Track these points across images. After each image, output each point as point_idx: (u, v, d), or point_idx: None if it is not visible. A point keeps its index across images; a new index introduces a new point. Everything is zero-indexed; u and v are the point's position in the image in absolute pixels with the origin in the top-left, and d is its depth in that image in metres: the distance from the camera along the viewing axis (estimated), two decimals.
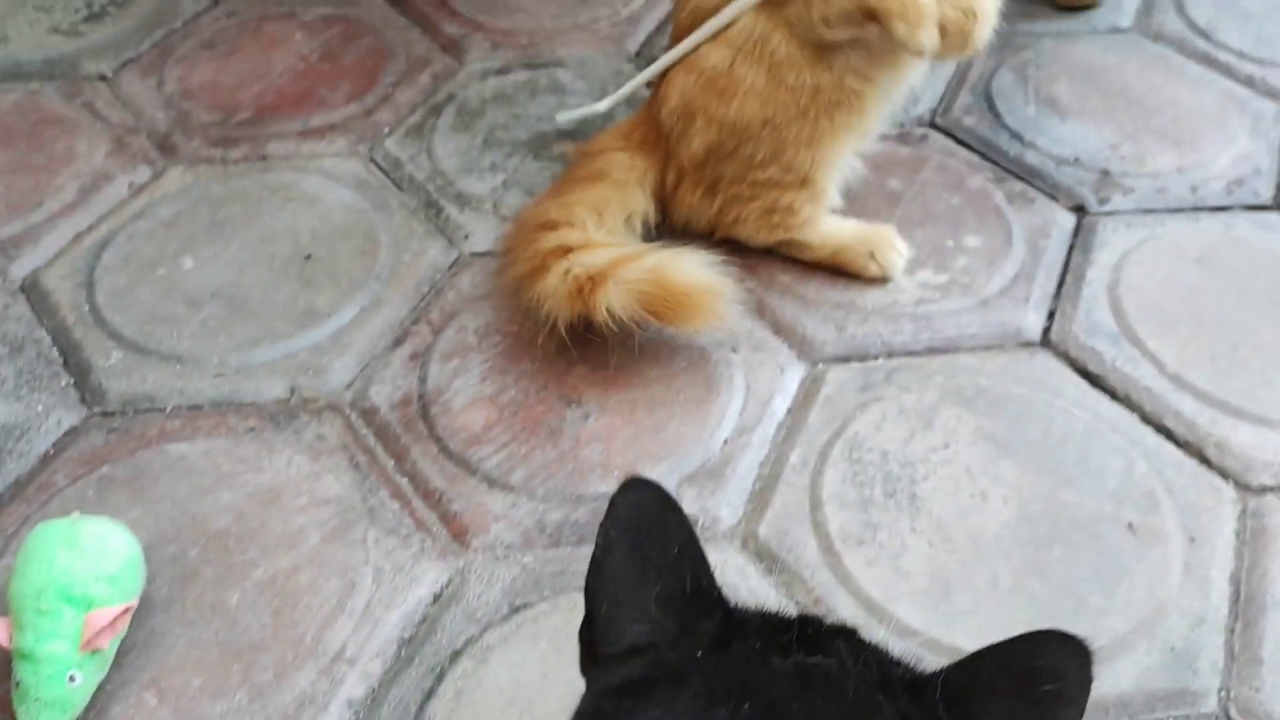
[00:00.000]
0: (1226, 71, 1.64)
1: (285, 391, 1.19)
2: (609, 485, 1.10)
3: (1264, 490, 1.10)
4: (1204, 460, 1.13)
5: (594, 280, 1.15)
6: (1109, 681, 0.95)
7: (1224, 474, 1.12)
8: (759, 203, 1.27)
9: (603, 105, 1.42)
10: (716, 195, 1.28)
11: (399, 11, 1.75)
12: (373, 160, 1.47)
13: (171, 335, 1.24)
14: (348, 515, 1.07)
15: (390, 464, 1.13)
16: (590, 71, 1.62)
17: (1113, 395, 1.19)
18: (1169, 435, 1.15)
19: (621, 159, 1.31)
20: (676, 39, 1.30)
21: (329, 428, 1.16)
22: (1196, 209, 1.42)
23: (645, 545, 0.58)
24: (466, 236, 1.36)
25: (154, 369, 1.20)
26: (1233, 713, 0.94)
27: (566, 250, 1.19)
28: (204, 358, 1.22)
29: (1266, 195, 1.44)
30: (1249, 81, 1.62)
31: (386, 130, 1.52)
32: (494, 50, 1.67)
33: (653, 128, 1.31)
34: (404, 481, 1.11)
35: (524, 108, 1.55)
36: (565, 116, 1.46)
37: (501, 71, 1.63)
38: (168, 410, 1.17)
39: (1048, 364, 1.22)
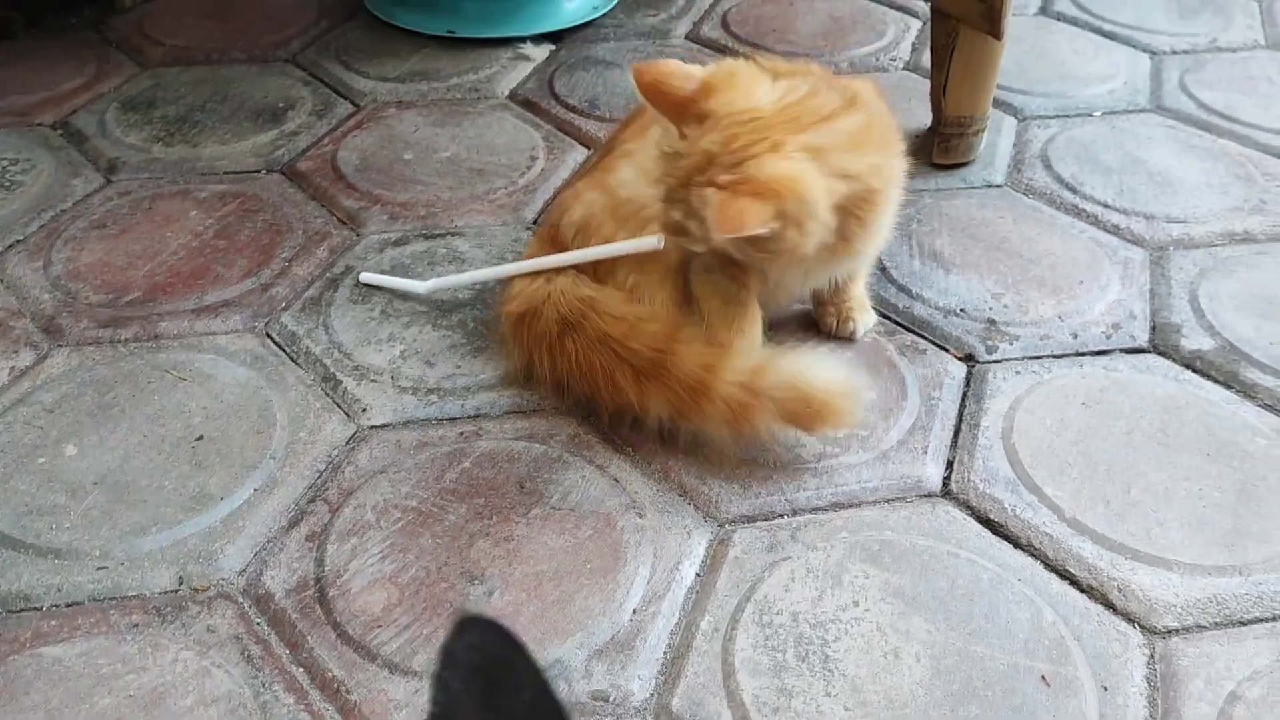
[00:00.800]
0: (1094, 221, 1.73)
1: (173, 582, 1.14)
2: None
3: (1169, 633, 1.11)
4: (1109, 605, 1.14)
5: (746, 399, 1.19)
6: None
7: (1129, 618, 1.13)
8: None
9: (422, 289, 1.49)
10: None
11: (296, 187, 1.76)
12: (269, 336, 1.46)
13: (50, 528, 1.18)
14: (239, 713, 1.01)
15: (285, 654, 1.07)
16: (488, 240, 1.64)
17: (1015, 543, 1.20)
18: (1072, 581, 1.16)
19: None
20: (545, 240, 1.35)
21: (220, 618, 1.10)
22: (1079, 354, 1.47)
23: (495, 695, 0.50)
24: (364, 410, 1.34)
25: (29, 565, 1.14)
26: None
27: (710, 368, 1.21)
28: (85, 550, 1.16)
29: (1142, 338, 1.50)
30: (1115, 230, 1.71)
31: (283, 305, 1.51)
32: (392, 222, 1.68)
33: (552, 238, 1.34)
34: (300, 672, 1.06)
35: (421, 278, 1.56)
36: (368, 277, 1.52)
37: (399, 242, 1.64)
38: (44, 609, 1.11)
39: (949, 514, 1.24)
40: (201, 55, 2.13)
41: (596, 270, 1.33)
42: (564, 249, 1.34)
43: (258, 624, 1.10)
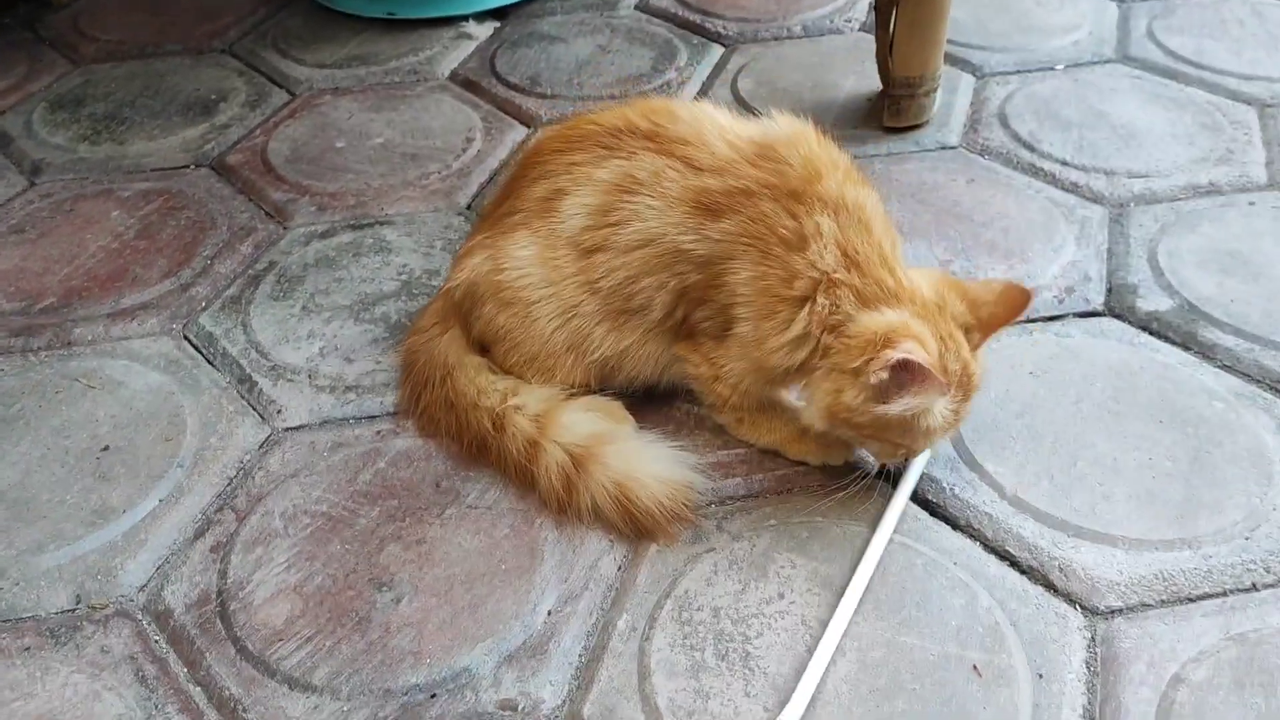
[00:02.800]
0: (1052, 180, 1.66)
1: (70, 601, 1.09)
2: (420, 676, 1.01)
3: (1111, 614, 1.05)
4: (1049, 586, 1.08)
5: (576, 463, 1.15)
6: None
7: (1070, 599, 1.07)
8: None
9: None
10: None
11: (224, 181, 1.71)
12: (186, 338, 1.41)
13: None
14: None
15: (183, 672, 1.03)
16: (418, 228, 1.59)
17: (952, 524, 1.15)
18: (1012, 562, 1.11)
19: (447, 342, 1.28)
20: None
21: (115, 638, 1.06)
22: (1030, 320, 1.41)
23: None
24: (279, 411, 1.29)
25: None
26: None
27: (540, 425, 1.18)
28: None
29: (1097, 300, 1.43)
30: (1074, 188, 1.64)
31: (202, 305, 1.46)
32: (320, 213, 1.63)
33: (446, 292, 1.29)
34: (196, 691, 1.01)
35: (346, 270, 1.50)
36: None
37: (326, 234, 1.58)
38: None
39: (885, 495, 1.18)
40: (136, 49, 2.08)
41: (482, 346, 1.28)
42: (455, 308, 1.28)
43: (155, 642, 1.06)
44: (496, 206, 1.27)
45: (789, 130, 1.14)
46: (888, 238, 1.10)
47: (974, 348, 1.09)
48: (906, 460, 1.17)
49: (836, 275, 1.06)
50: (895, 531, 1.13)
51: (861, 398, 1.04)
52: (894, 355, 0.99)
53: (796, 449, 1.21)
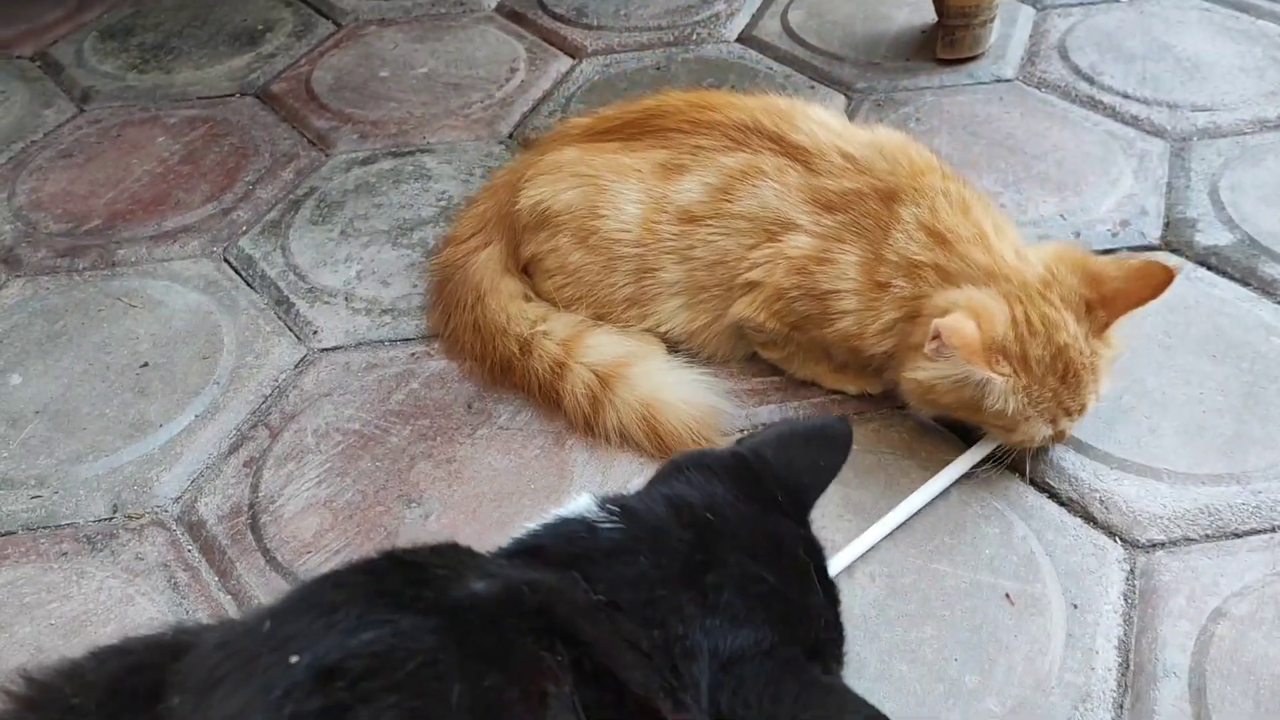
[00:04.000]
0: (1111, 113, 1.60)
1: (107, 510, 1.11)
2: None
3: (1153, 547, 1.02)
4: (1088, 518, 1.05)
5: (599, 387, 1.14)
6: None
7: (1110, 532, 1.04)
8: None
9: None
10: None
11: (268, 109, 1.71)
12: (226, 260, 1.41)
13: None
14: None
15: (214, 581, 1.04)
16: (458, 156, 1.58)
17: (991, 455, 1.12)
18: (1051, 494, 1.08)
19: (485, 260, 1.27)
20: (496, 198, 1.29)
21: (150, 546, 1.07)
22: None
23: None
24: (315, 332, 1.30)
25: None
26: None
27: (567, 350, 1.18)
28: (20, 479, 1.14)
29: (1153, 235, 1.38)
30: (1134, 121, 1.58)
31: (243, 229, 1.46)
32: (362, 141, 1.62)
33: (502, 205, 1.27)
34: (226, 599, 1.02)
35: (386, 196, 1.50)
36: None
37: (366, 161, 1.58)
38: None
39: (920, 425, 1.15)
40: None
41: (526, 266, 1.27)
42: (513, 224, 1.26)
43: (188, 551, 1.07)
44: (593, 134, 1.25)
45: (894, 138, 1.16)
46: (989, 218, 1.08)
47: (1099, 328, 1.03)
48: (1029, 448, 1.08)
49: (918, 257, 1.05)
50: (930, 461, 1.10)
51: (925, 373, 1.02)
52: (934, 327, 0.97)
53: (834, 379, 1.19)
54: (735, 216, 1.14)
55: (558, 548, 0.70)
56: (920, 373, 1.03)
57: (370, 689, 0.53)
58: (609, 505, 0.73)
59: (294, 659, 0.55)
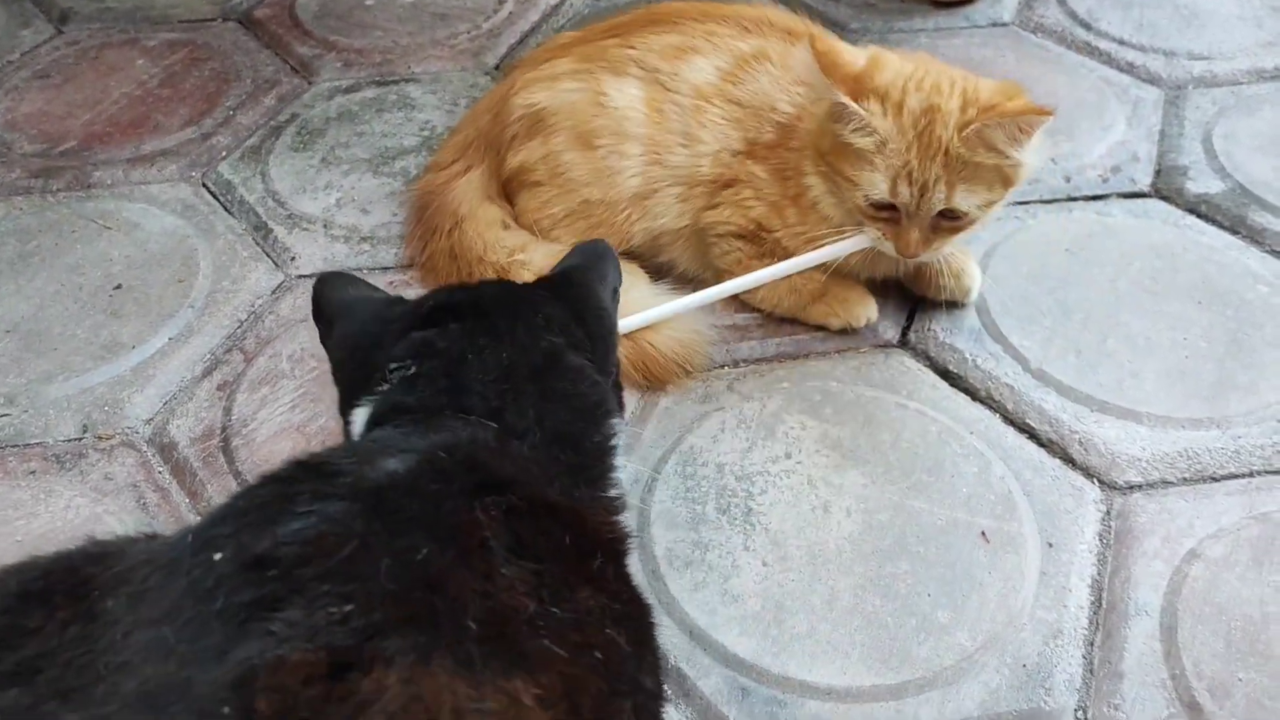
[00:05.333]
0: (1107, 60, 1.58)
1: (77, 430, 1.09)
2: None
3: (1130, 489, 1.02)
4: (1067, 460, 1.05)
5: None
6: (953, 706, 0.86)
7: (1088, 473, 1.03)
8: None
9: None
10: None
11: (250, 34, 1.67)
12: (204, 185, 1.39)
13: None
14: None
15: (184, 502, 1.03)
16: (443, 87, 1.55)
17: (972, 395, 1.11)
18: (1030, 434, 1.07)
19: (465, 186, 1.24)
20: (488, 111, 1.26)
21: (119, 466, 1.06)
22: (1070, 199, 1.35)
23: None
24: (293, 259, 1.28)
25: None
26: None
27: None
28: None
29: (1144, 182, 1.37)
30: (1129, 68, 1.56)
31: (223, 154, 1.44)
32: (345, 69, 1.59)
33: (485, 128, 1.24)
34: (196, 521, 1.01)
35: (368, 125, 1.47)
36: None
37: (350, 90, 1.55)
38: None
39: (904, 364, 1.14)
40: None
41: (505, 186, 1.24)
42: (503, 128, 1.23)
43: (159, 472, 1.06)
44: (586, 42, 1.22)
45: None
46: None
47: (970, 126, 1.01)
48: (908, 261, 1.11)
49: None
50: (910, 399, 1.10)
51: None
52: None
53: (818, 311, 1.17)
54: (736, 102, 1.14)
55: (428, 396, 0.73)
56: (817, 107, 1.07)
57: (303, 576, 0.53)
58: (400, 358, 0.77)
59: (217, 556, 0.55)
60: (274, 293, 1.24)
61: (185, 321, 1.20)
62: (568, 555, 0.63)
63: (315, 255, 1.28)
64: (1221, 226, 1.30)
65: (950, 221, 1.05)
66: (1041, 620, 0.92)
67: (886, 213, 1.05)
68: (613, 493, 0.75)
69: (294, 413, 1.10)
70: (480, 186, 1.23)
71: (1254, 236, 1.28)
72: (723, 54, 1.16)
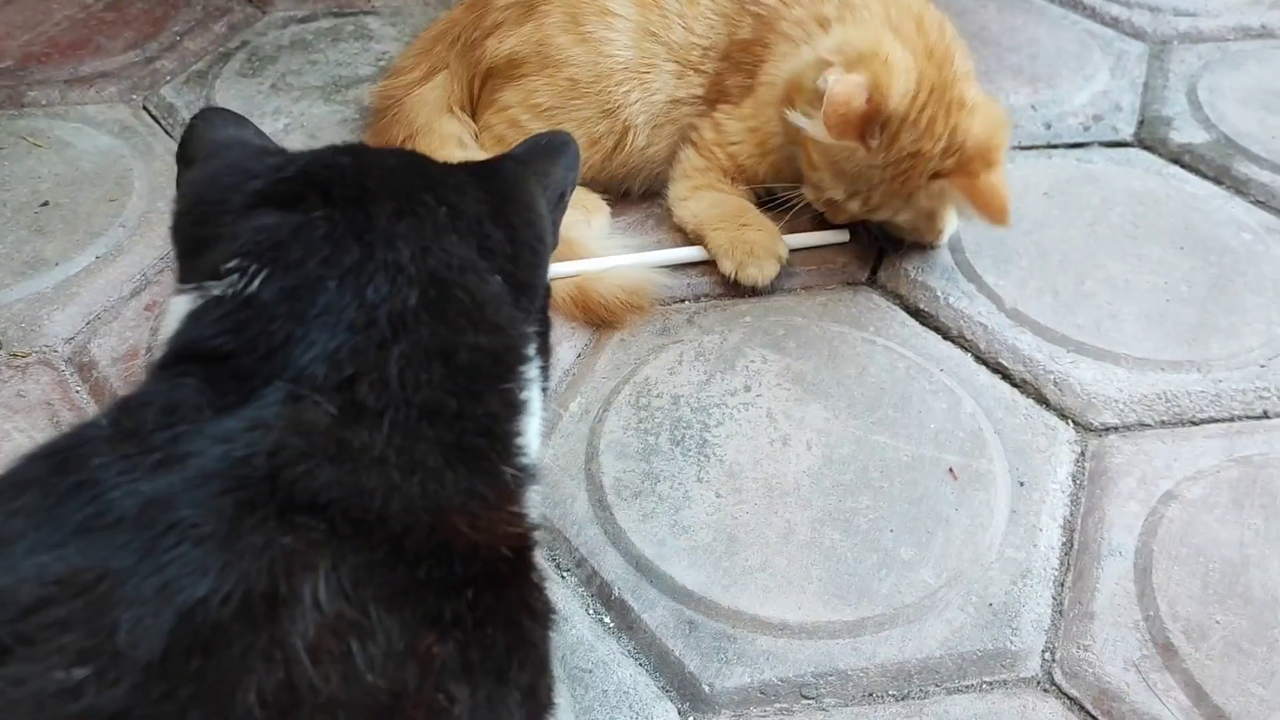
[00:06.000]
0: (1091, 14, 1.53)
1: None
2: None
3: (1106, 430, 0.97)
4: (1041, 400, 0.99)
5: None
6: (913, 644, 0.80)
7: (1062, 414, 0.98)
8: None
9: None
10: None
11: None
12: (145, 108, 1.32)
13: None
14: None
15: None
16: (404, 20, 1.48)
17: (943, 333, 1.06)
18: (1004, 374, 1.02)
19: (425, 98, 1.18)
20: (457, 43, 1.19)
21: (33, 384, 0.99)
22: (1050, 146, 1.30)
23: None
24: None
25: None
26: (1057, 676, 0.79)
27: None
28: None
29: (1126, 132, 1.32)
30: (1114, 23, 1.52)
31: (166, 78, 1.37)
32: (302, 1, 1.52)
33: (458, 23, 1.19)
34: None
35: (322, 54, 1.41)
36: None
37: (305, 20, 1.48)
38: None
39: (873, 301, 1.09)
40: None
41: (476, 100, 1.18)
42: (484, 16, 1.16)
43: (76, 392, 0.99)
44: None
45: None
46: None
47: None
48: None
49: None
50: (879, 335, 1.04)
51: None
52: (827, 90, 0.97)
53: (716, 238, 1.10)
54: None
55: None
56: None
57: (40, 624, 0.42)
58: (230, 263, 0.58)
59: None
60: None
61: (115, 241, 1.13)
62: (409, 595, 0.49)
63: None
64: (1205, 176, 1.25)
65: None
66: (1010, 559, 0.86)
67: None
68: (510, 472, 0.57)
69: None
70: (441, 95, 1.17)
71: (1238, 187, 1.23)
72: None
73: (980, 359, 1.03)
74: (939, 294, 1.09)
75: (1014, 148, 1.29)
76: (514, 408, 0.59)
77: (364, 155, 0.65)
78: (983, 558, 0.86)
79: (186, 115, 1.29)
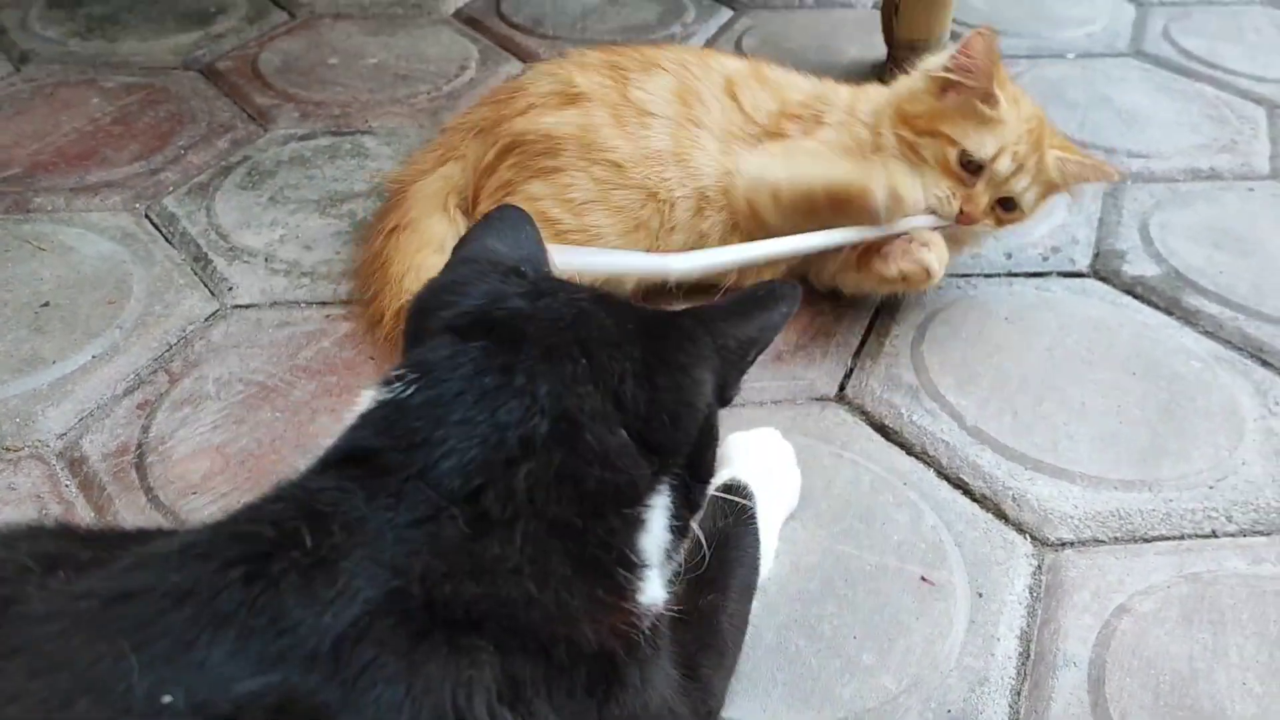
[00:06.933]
0: None
1: None
2: None
3: (1062, 545, 1.01)
4: (1000, 515, 1.03)
5: None
6: None
7: (1020, 528, 1.02)
8: None
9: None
10: None
11: (210, 83, 1.68)
12: (147, 216, 1.37)
13: None
14: None
15: (89, 516, 0.99)
16: (398, 140, 1.56)
17: (907, 449, 1.10)
18: (965, 490, 1.06)
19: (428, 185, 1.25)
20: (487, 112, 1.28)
21: (24, 478, 1.02)
22: (1011, 274, 1.37)
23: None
24: (231, 289, 1.26)
25: None
26: None
27: None
28: None
29: (1083, 263, 1.39)
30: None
31: (169, 189, 1.43)
32: (303, 119, 1.60)
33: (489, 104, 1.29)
34: None
35: (320, 170, 1.47)
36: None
37: (305, 138, 1.55)
38: None
39: (840, 417, 1.13)
40: None
41: (479, 182, 1.24)
42: (516, 97, 1.25)
43: (65, 486, 1.01)
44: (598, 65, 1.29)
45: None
46: None
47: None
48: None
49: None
50: (845, 450, 1.09)
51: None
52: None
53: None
54: (762, 82, 1.30)
55: (389, 442, 0.60)
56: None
57: None
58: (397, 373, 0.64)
59: (166, 699, 0.48)
60: (207, 320, 1.22)
61: (111, 341, 1.17)
62: (562, 696, 0.57)
63: (254, 286, 1.26)
64: (1157, 307, 1.32)
65: (1003, 211, 1.22)
66: (969, 667, 0.89)
67: (966, 175, 1.18)
68: (624, 574, 0.62)
69: (215, 433, 1.07)
70: (441, 189, 1.23)
71: (1188, 318, 1.30)
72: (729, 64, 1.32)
73: (942, 474, 1.07)
74: (903, 411, 1.14)
75: (977, 275, 1.35)
76: (634, 525, 0.64)
77: (540, 301, 0.67)
78: (942, 665, 0.89)
79: (187, 225, 1.35)
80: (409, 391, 0.62)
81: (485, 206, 1.21)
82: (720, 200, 1.22)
